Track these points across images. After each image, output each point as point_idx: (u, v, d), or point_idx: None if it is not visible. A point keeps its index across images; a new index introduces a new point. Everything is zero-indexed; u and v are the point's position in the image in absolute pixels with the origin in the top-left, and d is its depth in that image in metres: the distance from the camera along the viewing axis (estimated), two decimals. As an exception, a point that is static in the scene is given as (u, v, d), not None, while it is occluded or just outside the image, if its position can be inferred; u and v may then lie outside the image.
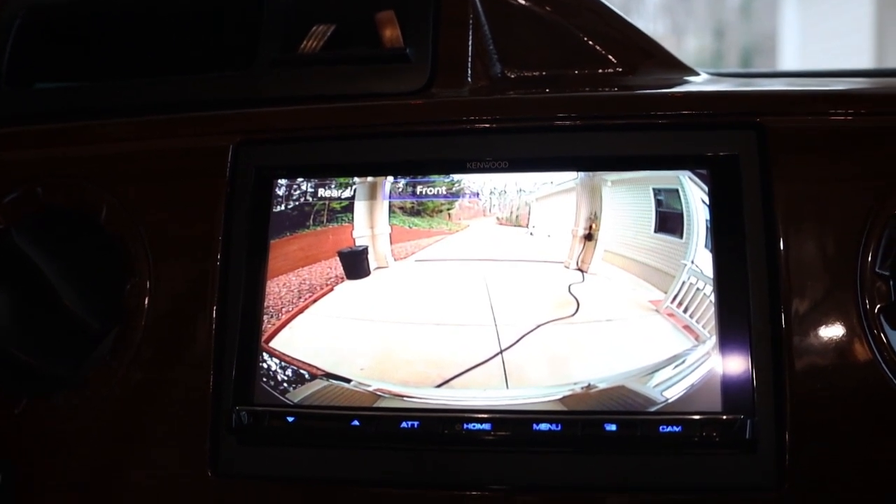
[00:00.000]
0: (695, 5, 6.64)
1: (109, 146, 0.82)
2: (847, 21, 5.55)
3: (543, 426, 0.67)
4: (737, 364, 0.67)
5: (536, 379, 0.69)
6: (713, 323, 0.68)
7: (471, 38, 0.84)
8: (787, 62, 6.20)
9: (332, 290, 0.74)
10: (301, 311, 0.74)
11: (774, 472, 0.65)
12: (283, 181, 0.77)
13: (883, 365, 0.65)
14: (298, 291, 0.74)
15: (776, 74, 1.16)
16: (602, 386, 0.68)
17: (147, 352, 0.75)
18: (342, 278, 0.74)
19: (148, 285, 0.76)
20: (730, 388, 0.66)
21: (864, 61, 5.21)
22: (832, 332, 0.66)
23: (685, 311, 0.69)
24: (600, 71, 0.86)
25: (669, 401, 0.67)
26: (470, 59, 0.83)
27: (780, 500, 0.65)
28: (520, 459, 0.68)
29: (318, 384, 0.72)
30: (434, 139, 0.76)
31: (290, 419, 0.71)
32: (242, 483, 0.72)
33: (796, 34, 6.22)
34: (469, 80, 0.83)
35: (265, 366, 0.73)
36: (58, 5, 0.94)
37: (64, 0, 0.94)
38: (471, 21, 0.84)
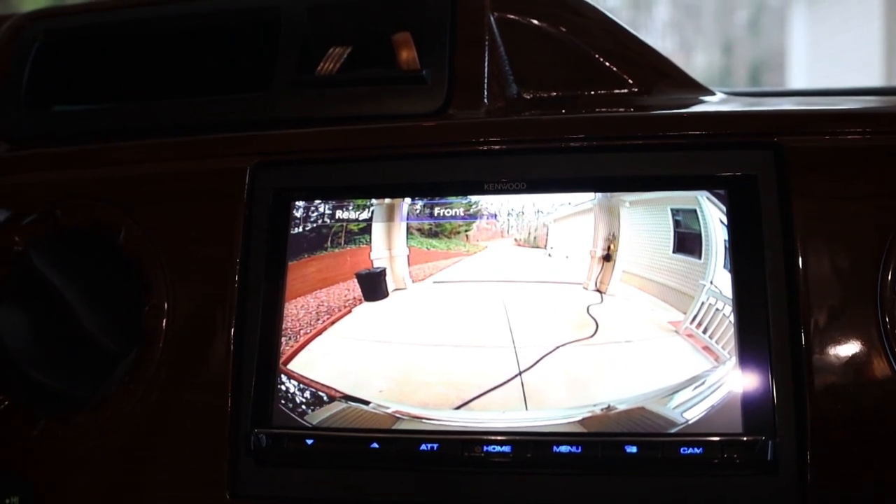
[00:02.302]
0: (703, 21, 6.65)
1: (127, 168, 0.82)
2: (856, 36, 5.55)
3: (564, 448, 0.67)
4: (757, 384, 0.66)
5: (556, 400, 0.68)
6: (733, 343, 0.67)
7: (487, 59, 0.84)
8: (796, 78, 6.20)
9: (350, 311, 0.74)
10: (319, 332, 0.74)
11: (797, 493, 0.65)
12: (300, 203, 0.77)
13: (905, 384, 0.65)
14: (316, 313, 0.74)
15: (792, 93, 1.16)
16: (622, 407, 0.68)
17: (165, 373, 0.75)
18: (360, 300, 0.74)
19: (166, 307, 0.76)
20: (750, 409, 0.66)
21: (874, 77, 5.20)
22: (853, 350, 0.66)
23: (704, 331, 0.68)
24: (616, 91, 0.86)
25: (690, 422, 0.66)
26: (486, 81, 0.83)
27: (802, 522, 0.64)
28: (540, 482, 0.68)
29: (337, 406, 0.72)
30: (451, 160, 0.76)
31: (309, 441, 0.70)
32: (261, 505, 0.72)
33: (805, 50, 6.22)
34: (486, 101, 0.83)
35: (283, 388, 0.73)
36: (76, 28, 0.95)
37: (82, 23, 0.95)
38: (487, 42, 0.84)
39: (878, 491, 0.64)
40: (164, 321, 0.76)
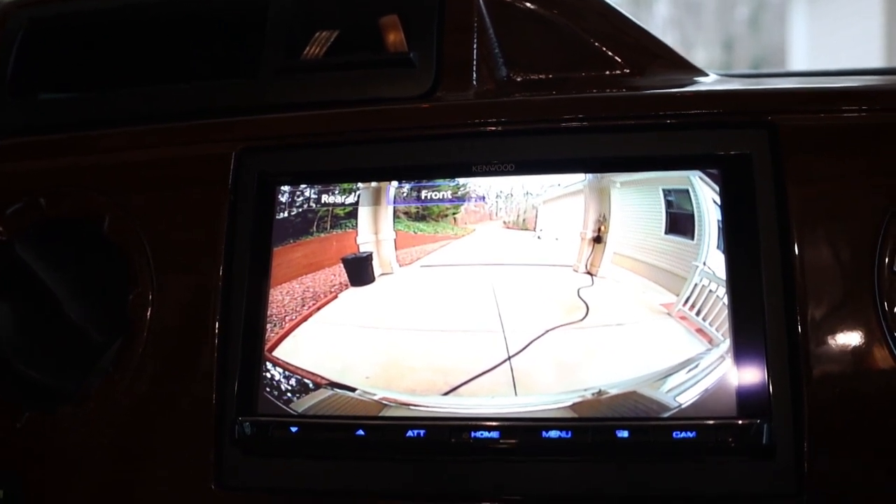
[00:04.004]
0: (703, 18, 6.64)
1: (112, 156, 0.81)
2: (856, 33, 5.54)
3: (553, 433, 0.65)
4: (752, 367, 0.65)
5: (545, 385, 0.67)
6: (727, 325, 0.66)
7: (476, 41, 0.83)
8: (797, 74, 6.17)
9: (336, 297, 0.73)
10: (305, 319, 0.72)
11: (793, 478, 0.64)
12: (286, 188, 0.76)
13: (903, 367, 0.63)
14: (302, 299, 0.73)
15: (786, 74, 1.14)
16: (613, 392, 0.66)
17: (150, 363, 0.74)
18: (346, 285, 0.73)
19: (151, 295, 0.75)
20: (745, 392, 0.65)
21: (875, 72, 5.18)
22: (850, 333, 0.65)
23: (698, 313, 0.67)
24: (607, 73, 0.84)
25: (683, 406, 0.65)
26: (475, 63, 0.82)
27: (799, 508, 0.63)
28: (529, 468, 0.67)
29: (323, 393, 0.70)
30: (439, 143, 0.75)
31: (294, 429, 0.69)
32: (247, 495, 0.71)
33: (805, 46, 6.21)
34: (474, 83, 0.81)
35: (269, 375, 0.72)
36: (61, 15, 0.94)
37: (67, 10, 0.94)
38: (475, 25, 0.83)
39: (876, 476, 0.63)
40: (149, 310, 0.75)
